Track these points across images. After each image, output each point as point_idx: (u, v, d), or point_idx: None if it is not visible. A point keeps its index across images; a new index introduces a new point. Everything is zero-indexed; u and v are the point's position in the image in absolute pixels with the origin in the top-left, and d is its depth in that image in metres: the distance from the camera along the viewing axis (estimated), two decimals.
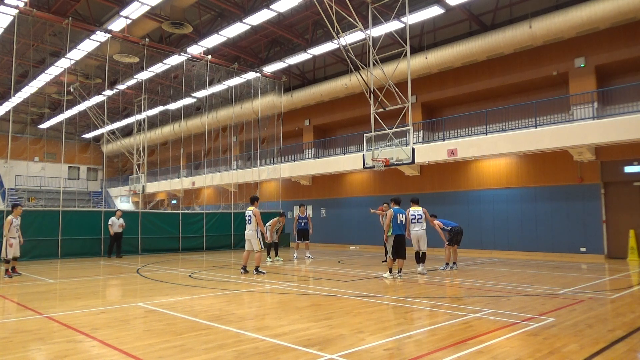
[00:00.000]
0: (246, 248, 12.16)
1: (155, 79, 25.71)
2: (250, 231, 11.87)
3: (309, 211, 25.13)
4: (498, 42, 17.27)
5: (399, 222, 11.03)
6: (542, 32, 16.20)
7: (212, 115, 28.57)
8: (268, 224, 15.49)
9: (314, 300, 8.20)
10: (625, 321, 6.33)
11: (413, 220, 11.75)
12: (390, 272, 11.18)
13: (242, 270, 12.01)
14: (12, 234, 11.68)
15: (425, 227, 11.79)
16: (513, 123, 18.25)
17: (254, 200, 12.15)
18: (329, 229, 24.15)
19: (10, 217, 11.74)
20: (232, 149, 31.13)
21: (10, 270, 11.71)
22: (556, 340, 5.32)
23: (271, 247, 15.74)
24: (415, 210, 11.86)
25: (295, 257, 16.66)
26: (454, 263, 13.08)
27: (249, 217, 11.87)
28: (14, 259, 11.89)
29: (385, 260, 12.66)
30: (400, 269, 11.23)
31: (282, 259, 16.02)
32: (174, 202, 35.95)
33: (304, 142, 26.53)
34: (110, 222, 17.38)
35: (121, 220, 17.54)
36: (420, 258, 11.94)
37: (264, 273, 11.97)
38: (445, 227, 12.87)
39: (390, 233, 11.07)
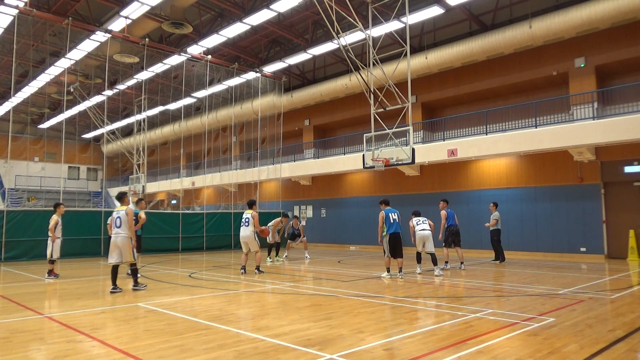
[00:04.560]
0: (244, 250, 12.26)
1: (155, 79, 25.70)
2: (247, 233, 11.94)
3: (309, 212, 25.16)
4: (498, 42, 17.27)
5: (392, 220, 11.02)
6: (542, 32, 16.20)
7: (212, 115, 28.55)
8: (270, 224, 15.48)
9: (314, 300, 8.20)
10: (625, 321, 6.33)
11: (419, 223, 11.80)
12: (389, 271, 11.18)
13: (242, 271, 12.04)
14: (57, 234, 11.59)
15: (430, 230, 11.80)
16: (513, 123, 18.24)
17: (252, 204, 12.30)
18: (329, 229, 24.14)
19: (55, 216, 11.57)
20: (232, 149, 31.11)
21: (53, 270, 11.53)
22: (556, 340, 5.32)
23: (272, 248, 15.75)
24: (419, 219, 11.97)
25: (286, 255, 16.77)
26: (462, 263, 13.03)
27: (247, 220, 11.97)
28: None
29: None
30: (401, 268, 11.23)
31: (282, 259, 16.06)
32: (174, 202, 35.93)
33: (304, 142, 26.52)
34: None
35: None
36: (421, 259, 11.95)
37: (263, 272, 12.14)
38: (447, 223, 12.92)
39: (385, 233, 11.06)
